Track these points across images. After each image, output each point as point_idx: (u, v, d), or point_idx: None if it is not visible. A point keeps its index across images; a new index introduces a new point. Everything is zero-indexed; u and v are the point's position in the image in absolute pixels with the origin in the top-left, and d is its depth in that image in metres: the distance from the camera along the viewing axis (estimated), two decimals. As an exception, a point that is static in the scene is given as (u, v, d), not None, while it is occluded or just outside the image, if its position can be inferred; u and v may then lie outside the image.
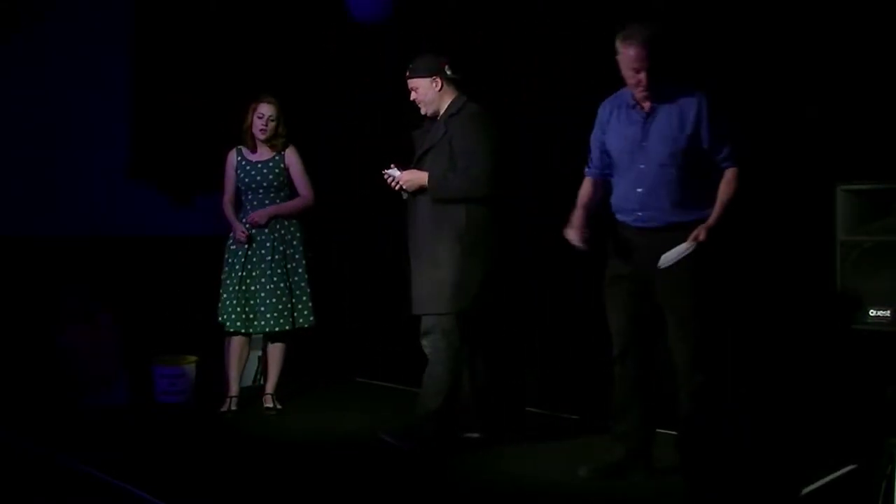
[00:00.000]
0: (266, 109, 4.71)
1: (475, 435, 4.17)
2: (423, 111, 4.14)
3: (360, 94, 5.86)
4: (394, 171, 4.09)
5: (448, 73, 4.09)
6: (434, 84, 4.07)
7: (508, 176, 4.17)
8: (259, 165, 4.73)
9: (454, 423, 4.09)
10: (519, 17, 5.01)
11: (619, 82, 3.50)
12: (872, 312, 3.32)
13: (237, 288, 4.65)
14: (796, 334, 3.94)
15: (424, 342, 4.05)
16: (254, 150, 4.75)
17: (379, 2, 5.01)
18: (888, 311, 3.28)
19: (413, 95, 4.13)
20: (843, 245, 3.36)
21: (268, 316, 4.67)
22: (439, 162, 4.01)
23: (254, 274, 4.68)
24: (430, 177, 4.00)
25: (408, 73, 4.14)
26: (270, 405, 4.79)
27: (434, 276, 3.97)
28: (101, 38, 5.66)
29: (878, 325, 3.32)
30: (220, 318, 4.71)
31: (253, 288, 4.68)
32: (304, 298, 4.76)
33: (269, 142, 4.74)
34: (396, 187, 4.10)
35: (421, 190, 4.04)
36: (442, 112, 4.09)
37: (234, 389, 4.77)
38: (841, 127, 3.80)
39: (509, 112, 5.05)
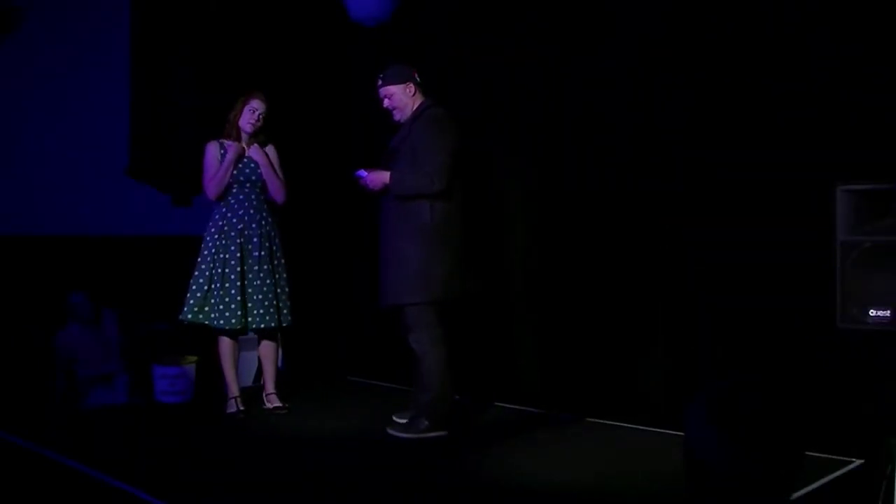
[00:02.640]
0: (258, 104, 4.71)
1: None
2: (396, 117, 4.36)
3: (358, 94, 5.86)
4: (362, 173, 4.31)
5: (418, 79, 4.35)
6: (407, 90, 4.32)
7: (470, 174, 4.34)
8: (246, 160, 4.72)
9: (455, 408, 4.26)
10: (517, 17, 5.01)
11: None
12: (872, 312, 3.32)
13: (239, 284, 4.59)
14: (796, 334, 3.95)
15: (410, 338, 4.23)
16: (238, 141, 4.71)
17: (378, 2, 5.01)
18: (888, 311, 3.28)
19: (386, 103, 4.36)
20: (842, 245, 3.37)
21: (256, 313, 4.63)
22: (404, 161, 4.21)
23: (244, 269, 4.64)
24: (390, 175, 4.22)
25: (380, 82, 4.35)
26: (279, 404, 4.78)
27: (400, 270, 4.18)
28: (101, 38, 5.67)
29: (878, 325, 3.31)
30: (199, 318, 4.62)
31: (245, 282, 4.64)
32: (284, 298, 4.76)
33: (254, 136, 4.73)
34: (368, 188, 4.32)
35: (386, 189, 4.25)
36: (409, 115, 4.31)
37: (235, 389, 4.75)
38: (841, 127, 3.80)
39: (509, 110, 5.07)
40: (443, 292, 4.18)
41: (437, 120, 4.25)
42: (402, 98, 4.32)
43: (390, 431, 4.24)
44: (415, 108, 4.32)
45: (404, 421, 4.31)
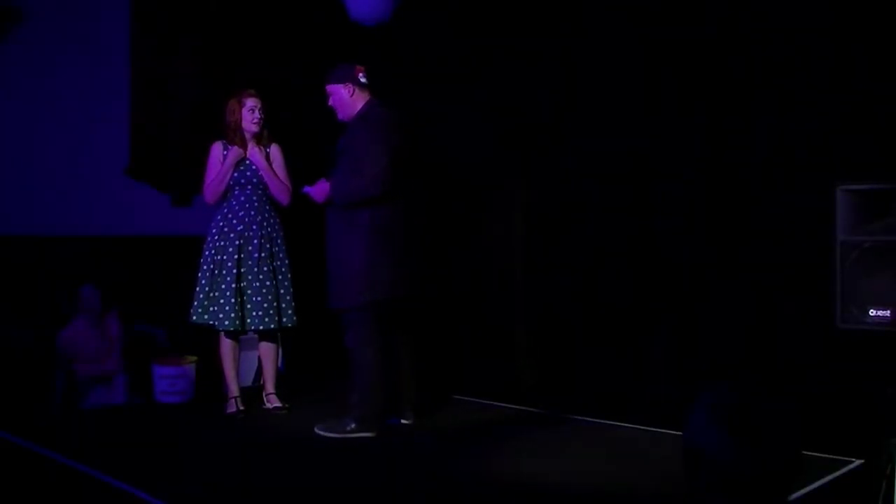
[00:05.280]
0: (255, 102, 4.68)
1: (406, 421, 4.46)
2: (339, 117, 4.38)
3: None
4: (307, 189, 4.40)
5: (361, 80, 4.33)
6: (347, 90, 4.32)
7: (406, 176, 4.30)
8: (248, 162, 4.71)
9: (387, 410, 4.31)
10: (517, 17, 5.01)
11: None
12: (872, 312, 3.32)
13: (234, 286, 4.59)
14: (796, 334, 3.95)
15: (345, 337, 4.28)
16: (242, 145, 4.69)
17: (378, 2, 5.01)
18: (888, 311, 3.28)
19: (330, 101, 4.38)
20: (843, 245, 3.37)
21: (255, 314, 4.62)
22: (345, 165, 4.23)
23: (243, 271, 4.64)
24: (329, 186, 4.27)
25: (325, 81, 4.39)
26: (279, 404, 4.78)
27: (342, 273, 4.21)
28: (101, 38, 5.67)
29: (878, 325, 3.32)
30: (204, 318, 4.61)
31: (243, 284, 4.63)
32: (289, 298, 4.74)
33: (258, 134, 4.71)
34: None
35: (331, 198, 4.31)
36: (354, 116, 4.33)
37: (235, 389, 4.75)
38: (841, 127, 3.80)
39: (508, 110, 5.07)
40: (383, 294, 4.19)
41: (375, 122, 4.24)
42: (341, 98, 4.33)
43: (317, 430, 4.25)
44: (357, 109, 4.32)
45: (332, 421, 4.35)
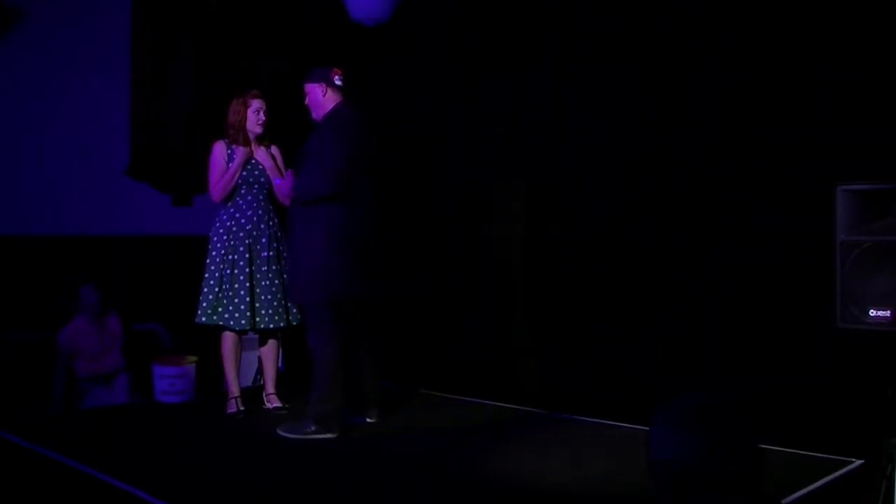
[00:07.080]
0: (260, 104, 4.70)
1: (371, 420, 4.51)
2: (312, 115, 4.46)
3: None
4: (276, 181, 4.56)
5: (336, 82, 4.41)
6: (320, 89, 4.41)
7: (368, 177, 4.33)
8: (255, 162, 4.71)
9: (347, 408, 4.33)
10: (516, 18, 5.01)
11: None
12: (872, 312, 3.32)
13: (248, 285, 4.59)
14: (796, 334, 3.95)
15: (307, 336, 4.32)
16: (245, 145, 4.69)
17: (378, 2, 5.01)
18: (888, 311, 3.28)
19: (306, 100, 4.47)
20: (842, 245, 3.37)
21: (264, 313, 4.62)
22: (310, 163, 4.29)
23: (252, 269, 4.65)
24: (292, 182, 4.38)
25: (303, 80, 4.48)
26: (279, 404, 4.78)
27: (299, 269, 4.30)
28: (101, 38, 5.68)
29: (878, 326, 3.32)
30: (213, 319, 4.59)
31: (252, 283, 4.65)
32: None
33: (261, 135, 4.71)
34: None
35: None
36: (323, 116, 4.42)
37: (236, 389, 4.74)
38: (841, 127, 3.81)
39: (507, 109, 5.07)
40: (337, 294, 4.21)
41: (339, 122, 4.32)
42: (315, 97, 4.42)
43: (279, 431, 4.26)
44: (328, 109, 4.39)
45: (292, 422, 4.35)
